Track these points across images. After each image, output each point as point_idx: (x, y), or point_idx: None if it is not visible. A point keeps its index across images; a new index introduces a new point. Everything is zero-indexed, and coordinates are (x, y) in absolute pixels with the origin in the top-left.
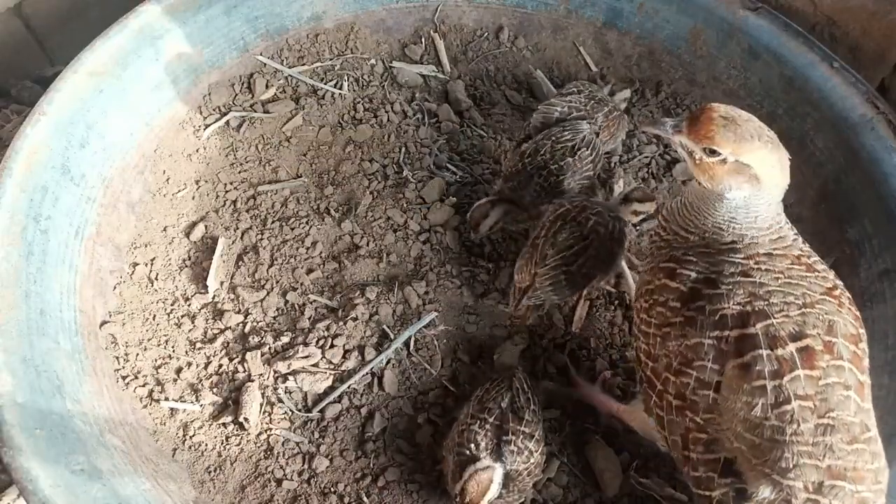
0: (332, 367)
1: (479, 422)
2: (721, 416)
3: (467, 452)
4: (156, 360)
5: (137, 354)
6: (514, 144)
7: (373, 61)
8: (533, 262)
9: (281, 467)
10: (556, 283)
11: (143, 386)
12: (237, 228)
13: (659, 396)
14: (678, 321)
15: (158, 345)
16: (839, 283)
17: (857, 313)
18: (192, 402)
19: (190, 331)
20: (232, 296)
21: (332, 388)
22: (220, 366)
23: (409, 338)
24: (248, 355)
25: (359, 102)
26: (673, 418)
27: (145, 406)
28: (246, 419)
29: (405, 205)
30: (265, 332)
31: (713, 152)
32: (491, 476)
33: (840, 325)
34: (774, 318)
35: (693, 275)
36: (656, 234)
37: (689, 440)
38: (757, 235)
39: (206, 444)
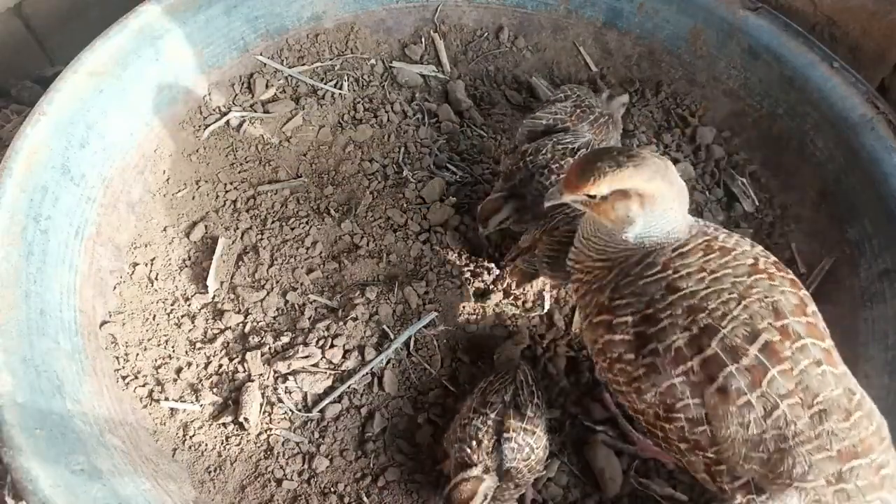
0: (332, 367)
1: (480, 417)
2: (722, 445)
3: (468, 450)
4: (156, 360)
5: (137, 354)
6: (510, 148)
7: (373, 61)
8: (542, 230)
9: (281, 467)
10: (553, 257)
11: (143, 386)
12: (237, 228)
13: (666, 444)
14: (641, 373)
15: (158, 345)
16: (757, 249)
17: (792, 276)
18: (192, 402)
19: (190, 331)
20: (232, 296)
21: (332, 388)
22: (220, 366)
23: (409, 338)
24: (248, 355)
25: (359, 102)
26: (689, 458)
27: (145, 406)
28: (246, 419)
29: (405, 205)
30: (265, 332)
31: (592, 196)
32: (477, 488)
33: (782, 302)
34: (723, 328)
35: (630, 319)
36: (574, 277)
37: (714, 474)
38: (664, 241)
39: (206, 444)
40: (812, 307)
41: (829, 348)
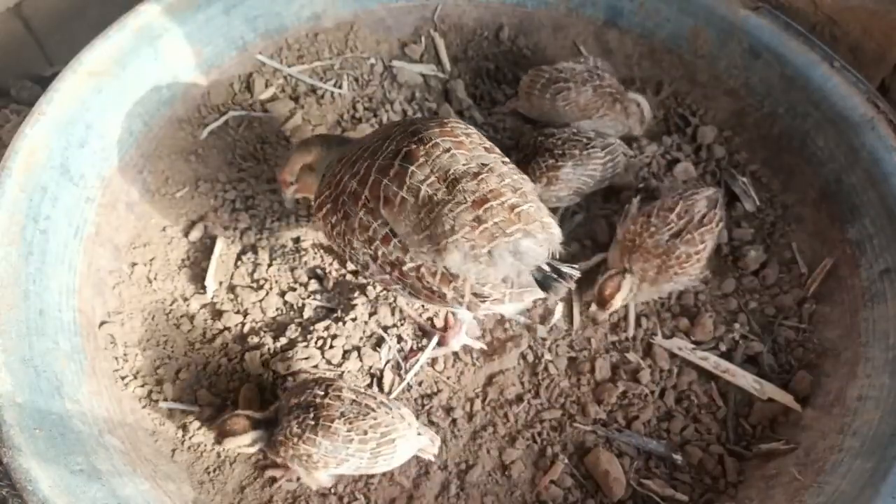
0: (331, 367)
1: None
2: (407, 246)
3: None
4: (155, 361)
5: (136, 355)
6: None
7: (372, 60)
8: None
9: None
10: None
11: (143, 386)
12: (236, 228)
13: (398, 282)
14: (344, 226)
15: (157, 345)
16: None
17: (437, 119)
18: (190, 403)
19: (189, 331)
20: (231, 296)
21: None
22: (219, 366)
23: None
24: (247, 356)
25: (358, 102)
26: (411, 283)
27: (144, 406)
28: None
29: None
30: (264, 332)
31: (292, 183)
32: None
33: (420, 128)
34: (377, 160)
35: (327, 192)
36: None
37: (422, 278)
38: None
39: (205, 445)
40: (452, 123)
41: (460, 141)
